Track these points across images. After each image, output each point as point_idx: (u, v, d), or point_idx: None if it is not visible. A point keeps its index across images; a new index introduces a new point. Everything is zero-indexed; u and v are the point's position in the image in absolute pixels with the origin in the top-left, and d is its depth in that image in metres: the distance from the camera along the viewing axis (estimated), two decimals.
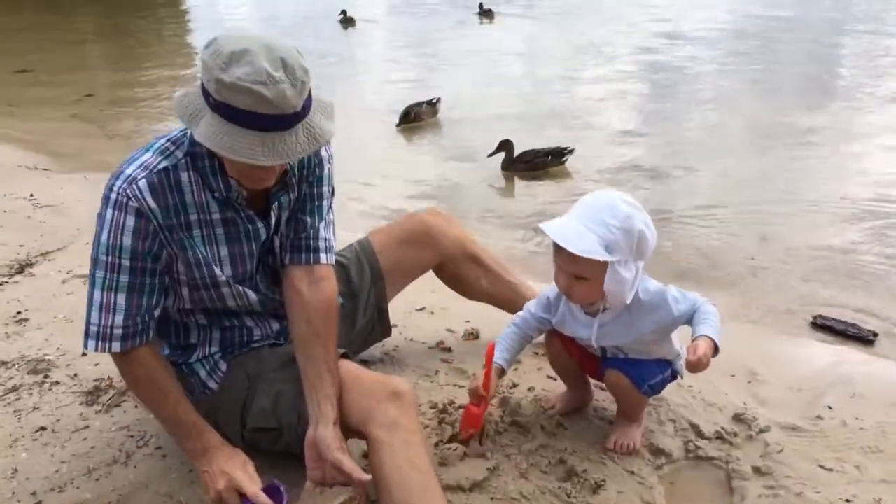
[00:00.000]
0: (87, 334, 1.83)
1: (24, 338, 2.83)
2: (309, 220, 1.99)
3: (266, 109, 1.56)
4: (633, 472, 2.06)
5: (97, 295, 1.80)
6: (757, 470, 2.06)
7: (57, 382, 2.53)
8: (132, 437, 2.25)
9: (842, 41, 7.42)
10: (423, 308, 2.98)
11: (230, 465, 1.80)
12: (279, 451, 2.00)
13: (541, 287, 2.62)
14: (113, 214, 1.75)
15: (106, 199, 1.77)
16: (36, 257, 3.59)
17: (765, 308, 3.18)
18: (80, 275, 3.34)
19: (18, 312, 3.02)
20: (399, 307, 2.54)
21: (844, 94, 6.46)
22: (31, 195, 4.53)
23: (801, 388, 2.46)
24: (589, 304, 2.00)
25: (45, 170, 5.30)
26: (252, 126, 1.58)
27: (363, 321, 2.37)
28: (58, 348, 2.73)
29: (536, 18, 12.80)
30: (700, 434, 2.20)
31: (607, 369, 2.09)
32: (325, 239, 2.02)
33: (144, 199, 1.75)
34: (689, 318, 1.94)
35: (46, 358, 2.67)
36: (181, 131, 1.83)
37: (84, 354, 2.68)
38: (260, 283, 2.01)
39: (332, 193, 2.07)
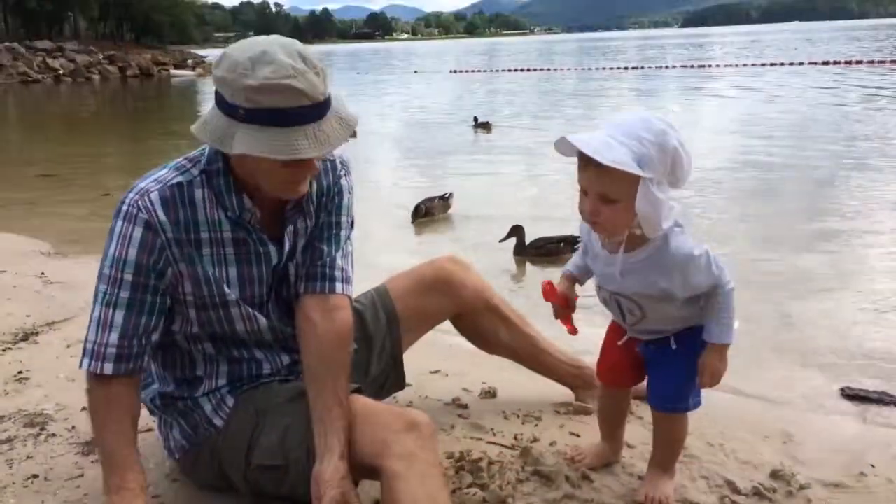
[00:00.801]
0: (83, 352, 1.75)
1: (23, 395, 2.73)
2: (325, 248, 1.94)
3: (300, 101, 1.59)
4: None
5: (96, 311, 1.74)
6: None
7: (53, 434, 2.41)
8: None
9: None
10: (437, 370, 2.88)
11: None
12: (284, 495, 1.86)
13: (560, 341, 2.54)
14: (122, 226, 1.71)
15: (117, 211, 1.74)
16: (41, 326, 3.53)
17: (794, 377, 3.06)
18: None
19: (20, 372, 2.93)
20: (413, 369, 2.44)
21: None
22: (42, 273, 4.52)
23: (839, 448, 2.32)
24: (616, 235, 1.78)
25: (58, 254, 5.30)
26: (290, 122, 1.59)
27: (377, 369, 2.28)
28: (57, 404, 2.63)
29: (537, 129, 13.10)
30: (736, 490, 2.05)
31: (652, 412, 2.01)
32: (342, 269, 1.95)
33: (155, 211, 1.72)
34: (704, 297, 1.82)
35: (44, 412, 2.56)
36: (199, 150, 1.82)
37: (84, 409, 2.56)
38: (272, 312, 1.94)
39: (352, 225, 2.03)
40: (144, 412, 1.94)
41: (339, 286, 1.92)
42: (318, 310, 1.88)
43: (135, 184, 1.77)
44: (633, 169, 1.61)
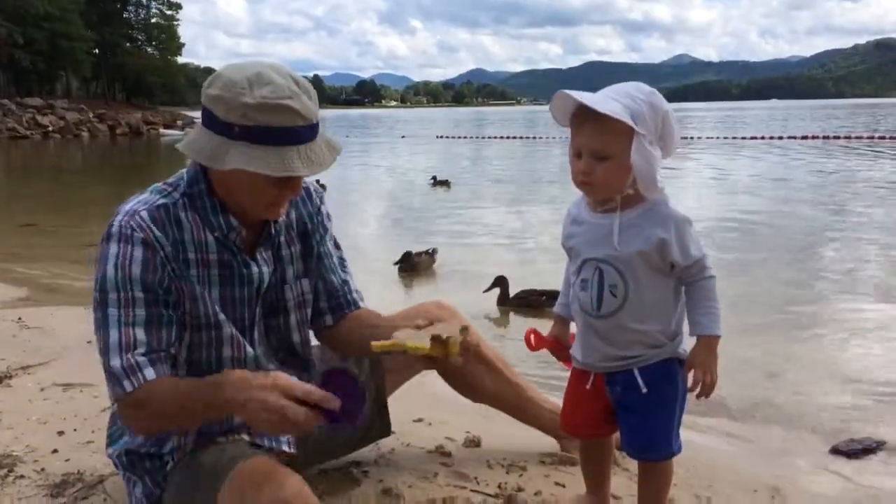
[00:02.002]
0: (114, 381, 1.66)
1: None
2: (334, 278, 2.05)
3: (296, 122, 1.64)
4: None
5: (113, 335, 1.66)
6: None
7: (21, 476, 2.33)
8: None
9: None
10: (421, 419, 2.82)
11: (264, 379, 1.58)
12: None
13: (547, 394, 2.51)
14: (118, 248, 1.69)
15: (108, 235, 1.71)
16: (16, 370, 3.45)
17: (780, 432, 3.02)
18: (61, 384, 3.20)
19: None
20: (396, 416, 2.39)
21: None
22: (19, 318, 4.44)
23: None
24: (608, 196, 1.76)
25: (36, 301, 5.23)
26: (284, 141, 1.64)
27: None
28: (27, 445, 2.55)
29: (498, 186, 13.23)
30: None
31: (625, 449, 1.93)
32: (356, 290, 2.12)
33: (150, 227, 1.71)
34: (682, 278, 1.78)
35: (13, 454, 2.48)
36: (177, 176, 1.83)
37: (55, 451, 2.49)
38: (257, 342, 1.91)
39: (338, 246, 2.11)
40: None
41: (361, 304, 2.11)
42: (355, 321, 2.06)
43: (119, 209, 1.75)
44: (628, 120, 1.66)
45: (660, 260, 1.76)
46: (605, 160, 1.71)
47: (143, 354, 1.66)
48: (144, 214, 1.72)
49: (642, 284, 1.77)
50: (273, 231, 1.91)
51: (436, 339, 1.72)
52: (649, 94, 1.72)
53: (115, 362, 1.65)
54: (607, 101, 1.69)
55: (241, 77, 1.64)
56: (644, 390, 1.81)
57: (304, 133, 1.66)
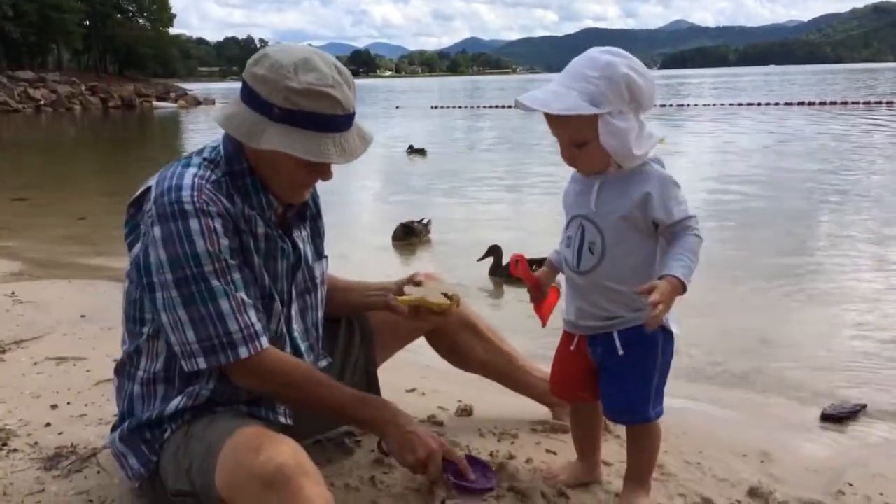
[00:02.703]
0: (232, 345, 1.71)
1: None
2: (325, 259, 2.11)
3: (336, 110, 1.69)
4: None
5: (224, 304, 1.70)
6: None
7: (15, 450, 2.33)
8: (91, 501, 2.04)
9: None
10: (413, 389, 2.84)
11: (426, 431, 1.87)
12: None
13: (538, 361, 2.51)
14: (200, 222, 1.69)
15: (180, 212, 1.69)
16: (9, 344, 3.45)
17: (770, 398, 3.05)
18: (54, 358, 3.20)
19: None
20: (388, 387, 2.40)
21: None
22: (13, 293, 4.43)
23: (818, 467, 2.30)
24: (597, 171, 1.79)
25: (29, 276, 5.21)
26: (322, 128, 1.69)
27: (350, 382, 2.21)
28: (20, 419, 2.55)
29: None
30: None
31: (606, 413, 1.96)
32: None
33: (220, 200, 1.74)
34: (667, 236, 1.76)
35: (7, 427, 2.48)
36: (212, 151, 1.83)
37: (48, 425, 2.50)
38: (294, 320, 1.96)
39: None
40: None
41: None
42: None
43: (171, 183, 1.73)
44: (586, 110, 1.66)
45: (642, 218, 1.76)
46: (583, 145, 1.75)
47: (258, 319, 1.76)
48: (210, 188, 1.74)
49: (622, 244, 1.79)
50: (296, 214, 1.95)
51: (445, 296, 1.97)
52: (604, 66, 1.69)
53: (233, 327, 1.70)
54: (561, 97, 1.69)
55: (288, 61, 1.68)
56: (621, 352, 1.83)
57: (342, 122, 1.72)
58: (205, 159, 1.81)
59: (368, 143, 1.80)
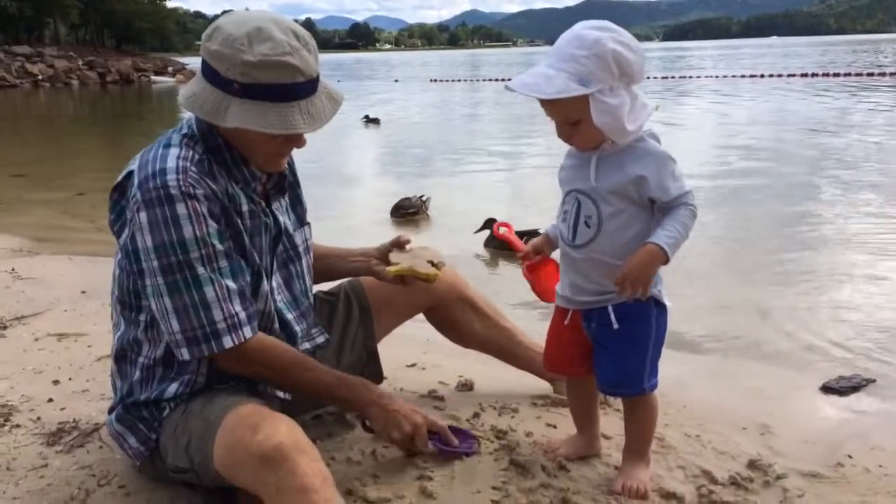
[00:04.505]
0: (216, 335, 1.69)
1: None
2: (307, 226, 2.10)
3: (296, 78, 1.64)
4: None
5: (209, 293, 1.68)
6: None
7: (18, 425, 2.35)
8: (94, 476, 2.05)
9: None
10: (414, 364, 2.84)
11: (411, 407, 1.91)
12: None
13: (537, 337, 2.51)
14: (188, 206, 1.67)
15: (166, 197, 1.66)
16: (10, 321, 3.45)
17: (771, 371, 3.05)
18: (55, 334, 3.20)
19: None
20: (389, 364, 2.41)
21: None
22: (13, 269, 4.43)
23: (817, 440, 2.31)
24: (593, 147, 1.80)
25: (29, 252, 5.21)
26: (285, 98, 1.65)
27: (350, 358, 2.24)
28: (22, 395, 2.56)
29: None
30: (713, 480, 2.02)
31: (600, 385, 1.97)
32: None
33: (206, 182, 1.71)
34: (661, 209, 1.77)
35: (9, 403, 2.49)
36: (188, 128, 1.80)
37: (50, 401, 2.51)
38: (276, 290, 1.94)
39: None
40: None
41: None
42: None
43: (155, 167, 1.70)
44: (575, 91, 1.66)
45: (636, 194, 1.77)
46: (577, 123, 1.75)
47: (243, 308, 1.73)
48: (195, 170, 1.71)
49: (617, 218, 1.79)
50: (274, 185, 1.94)
51: (431, 264, 2.00)
52: (592, 44, 1.68)
53: (218, 316, 1.68)
54: (550, 79, 1.69)
55: (240, 33, 1.63)
56: (615, 326, 1.84)
57: (305, 88, 1.67)
58: (184, 136, 1.78)
59: (339, 104, 1.76)
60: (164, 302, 1.69)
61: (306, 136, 1.78)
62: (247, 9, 1.94)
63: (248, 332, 1.73)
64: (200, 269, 1.67)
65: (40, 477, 2.05)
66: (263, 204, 1.87)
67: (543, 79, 1.70)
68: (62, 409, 2.45)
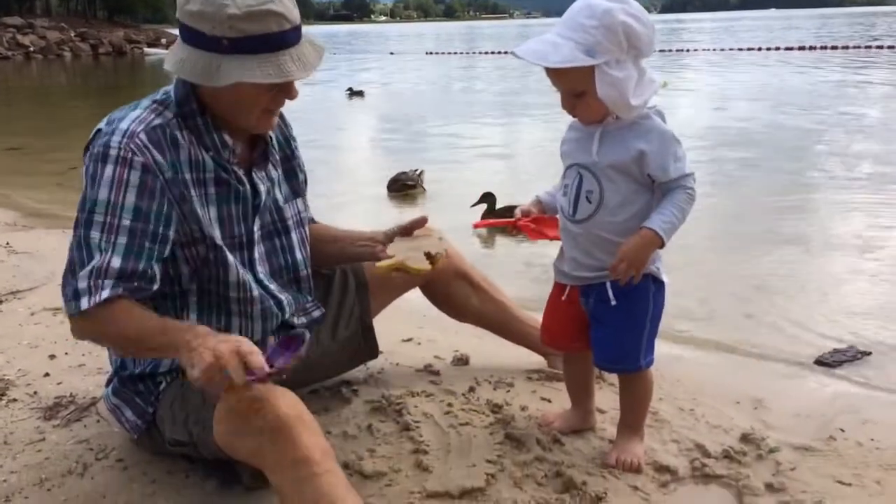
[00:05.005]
0: (76, 295, 1.60)
1: None
2: (304, 195, 2.11)
3: (282, 25, 1.64)
4: (636, 488, 1.91)
5: (87, 257, 1.61)
6: (770, 486, 1.90)
7: (14, 400, 2.36)
8: (91, 449, 2.07)
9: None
10: (410, 339, 2.85)
11: (229, 337, 1.54)
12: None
13: (533, 312, 2.52)
14: (114, 170, 1.64)
15: (103, 155, 1.65)
16: (5, 295, 3.45)
17: (765, 345, 3.07)
18: (51, 308, 3.20)
19: None
20: (385, 338, 2.41)
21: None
22: (7, 243, 4.41)
23: (810, 414, 2.32)
24: (597, 121, 1.79)
25: (24, 226, 5.19)
26: (275, 47, 1.64)
27: (346, 333, 2.24)
28: (19, 370, 2.57)
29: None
30: (706, 453, 2.04)
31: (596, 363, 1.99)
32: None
33: (150, 151, 1.67)
34: (660, 189, 1.77)
35: (6, 378, 2.50)
36: (163, 94, 1.79)
37: (47, 375, 2.52)
38: (258, 262, 1.92)
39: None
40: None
41: (313, 218, 2.23)
42: (315, 234, 2.16)
43: (111, 124, 1.70)
44: (582, 61, 1.65)
45: (638, 172, 1.77)
46: (581, 95, 1.73)
47: (113, 279, 1.62)
48: (143, 137, 1.68)
49: (618, 194, 1.79)
50: (269, 150, 1.92)
51: (428, 256, 1.90)
52: (602, 14, 1.66)
53: (83, 284, 1.60)
54: (557, 48, 1.67)
55: None
56: (613, 302, 1.85)
57: (292, 36, 1.67)
58: (154, 101, 1.77)
59: (322, 52, 1.76)
60: (72, 254, 1.67)
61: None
62: None
63: (105, 293, 1.60)
64: (94, 234, 1.63)
65: (37, 451, 2.06)
66: (241, 172, 1.85)
67: (550, 47, 1.68)
68: (59, 383, 2.46)
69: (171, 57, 1.72)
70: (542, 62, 1.68)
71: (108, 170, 1.65)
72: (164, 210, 1.68)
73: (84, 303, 1.61)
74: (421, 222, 2.07)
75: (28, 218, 5.52)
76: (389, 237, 2.08)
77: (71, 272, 1.65)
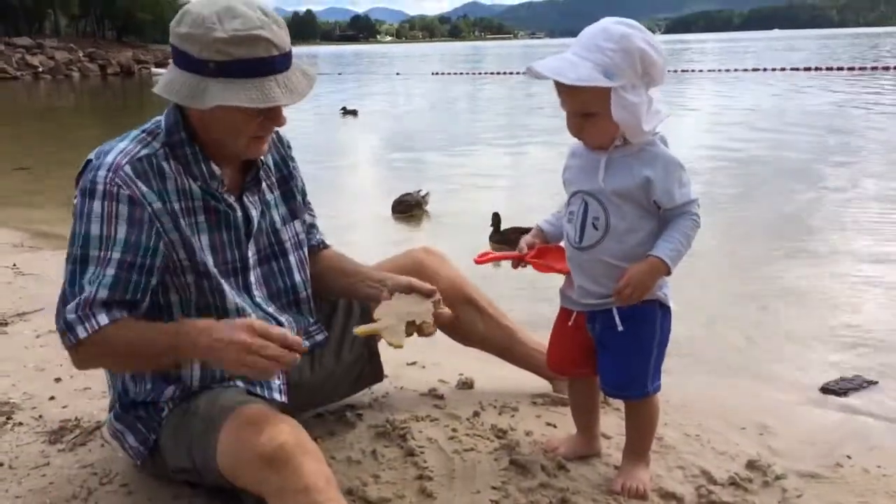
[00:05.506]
0: (69, 326, 1.65)
1: None
2: (310, 219, 2.13)
3: (270, 51, 1.65)
4: None
5: (79, 290, 1.65)
6: None
7: (20, 423, 2.36)
8: (95, 474, 2.06)
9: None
10: (414, 362, 2.85)
11: (235, 322, 1.65)
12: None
13: (538, 335, 2.51)
14: (103, 206, 1.66)
15: (90, 191, 1.68)
16: (12, 317, 3.46)
17: (770, 371, 3.06)
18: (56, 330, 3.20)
19: None
20: (389, 360, 2.41)
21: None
22: (14, 265, 4.44)
23: (816, 440, 2.32)
24: (603, 145, 1.79)
25: (31, 247, 5.22)
26: (262, 72, 1.64)
27: (350, 357, 2.24)
28: (24, 393, 2.57)
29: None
30: (712, 480, 2.03)
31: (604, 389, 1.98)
32: (322, 233, 2.22)
33: (135, 184, 1.69)
34: (667, 217, 1.78)
35: (11, 401, 2.51)
36: (153, 123, 1.81)
37: (52, 398, 2.52)
38: (254, 286, 1.93)
39: (305, 190, 2.15)
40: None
41: (327, 244, 2.23)
42: (326, 262, 2.17)
43: (98, 161, 1.72)
44: (599, 82, 1.65)
45: (644, 198, 1.78)
46: (591, 116, 1.73)
47: (102, 305, 1.65)
48: (128, 169, 1.69)
49: (624, 220, 1.79)
50: (260, 174, 1.92)
51: (411, 325, 1.84)
52: (620, 38, 1.67)
53: (71, 316, 1.64)
54: (575, 66, 1.68)
55: (210, 12, 1.64)
56: (620, 328, 1.84)
57: (280, 62, 1.67)
58: (143, 131, 1.78)
59: (313, 81, 1.76)
60: (64, 287, 1.70)
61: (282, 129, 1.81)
62: None
63: (102, 319, 1.64)
64: (85, 268, 1.66)
65: (42, 475, 2.06)
66: (232, 198, 1.85)
67: (568, 64, 1.68)
68: (64, 406, 2.46)
69: (161, 78, 1.74)
70: (560, 78, 1.68)
71: (97, 205, 1.67)
72: (151, 241, 1.70)
73: (81, 332, 1.65)
74: (430, 292, 1.96)
75: (35, 239, 5.55)
76: (396, 289, 1.98)
77: (62, 304, 1.68)
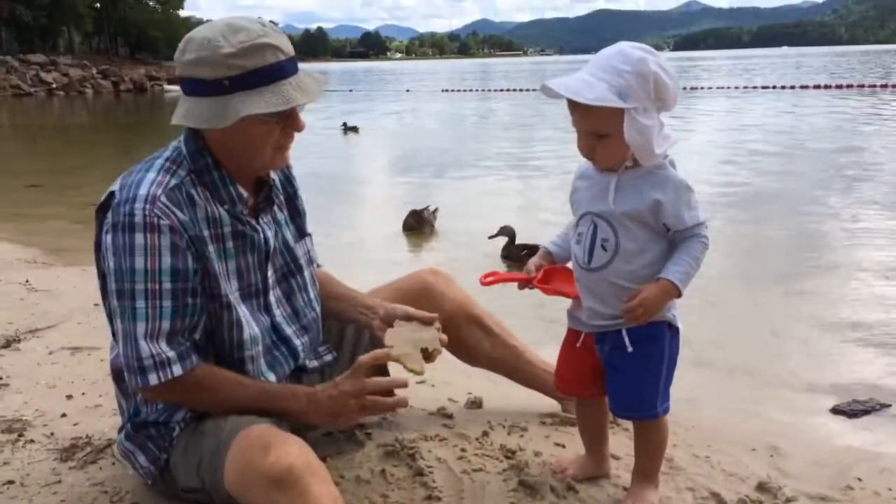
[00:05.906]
0: (142, 371, 1.70)
1: (3, 400, 2.68)
2: (308, 236, 2.12)
3: (278, 56, 1.70)
4: None
5: (140, 327, 1.69)
6: None
7: (32, 441, 2.37)
8: (106, 492, 2.07)
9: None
10: (422, 381, 2.84)
11: (332, 391, 1.80)
12: None
13: (546, 354, 2.52)
14: (145, 238, 1.67)
15: (129, 224, 1.68)
16: (24, 334, 3.48)
17: (781, 392, 3.05)
18: (69, 347, 3.23)
19: (0, 378, 2.88)
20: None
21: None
22: (27, 281, 4.47)
23: (827, 462, 2.30)
24: (614, 166, 1.80)
25: (43, 263, 5.26)
26: (275, 78, 1.69)
27: None
28: (36, 410, 2.59)
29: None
30: (722, 502, 2.02)
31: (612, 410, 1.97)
32: (315, 252, 2.19)
33: (174, 213, 1.71)
34: (674, 237, 1.79)
35: (23, 418, 2.52)
36: (174, 150, 1.81)
37: (64, 415, 2.53)
38: (275, 305, 1.96)
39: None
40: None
41: (318, 262, 2.21)
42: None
43: (129, 192, 1.71)
44: (614, 103, 1.66)
45: (653, 220, 1.79)
46: (604, 137, 1.74)
47: (171, 348, 1.71)
48: (164, 199, 1.70)
49: (634, 242, 1.80)
50: (273, 195, 1.95)
51: (424, 353, 1.92)
52: (636, 62, 1.69)
53: (145, 353, 1.69)
54: (591, 86, 1.69)
55: (212, 33, 1.68)
56: (630, 349, 1.85)
57: (289, 66, 1.73)
58: (166, 160, 1.79)
59: (321, 82, 1.81)
60: (117, 324, 1.74)
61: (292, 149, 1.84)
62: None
63: (177, 369, 1.72)
64: (140, 303, 1.68)
65: (53, 493, 2.07)
66: (253, 222, 1.88)
67: (583, 84, 1.70)
68: (75, 424, 2.47)
69: (176, 112, 1.76)
70: (576, 97, 1.69)
71: (139, 238, 1.67)
72: (192, 265, 1.73)
73: (153, 378, 1.70)
74: (430, 320, 2.01)
75: (48, 255, 5.60)
76: (390, 317, 2.03)
77: (129, 345, 1.71)
